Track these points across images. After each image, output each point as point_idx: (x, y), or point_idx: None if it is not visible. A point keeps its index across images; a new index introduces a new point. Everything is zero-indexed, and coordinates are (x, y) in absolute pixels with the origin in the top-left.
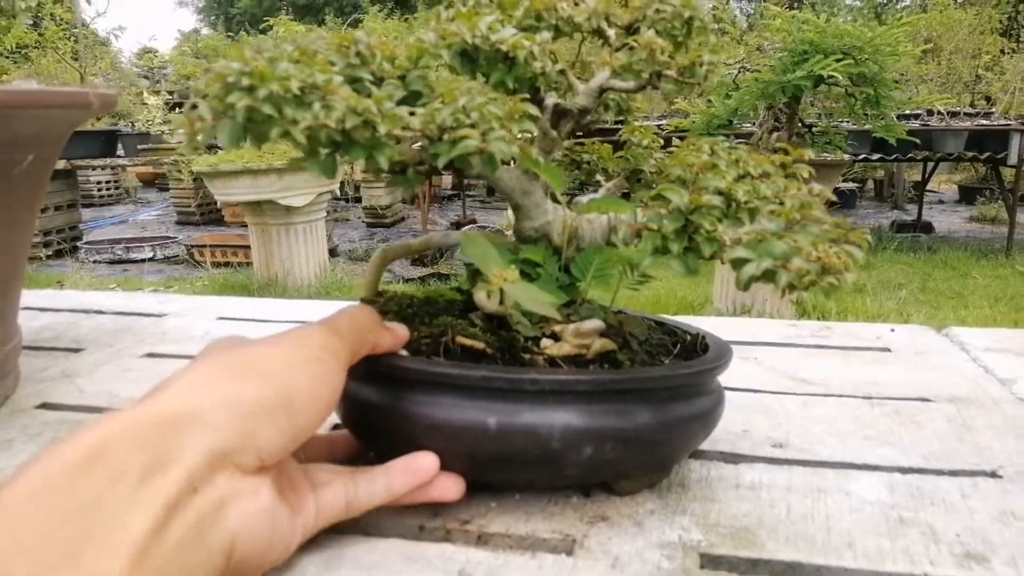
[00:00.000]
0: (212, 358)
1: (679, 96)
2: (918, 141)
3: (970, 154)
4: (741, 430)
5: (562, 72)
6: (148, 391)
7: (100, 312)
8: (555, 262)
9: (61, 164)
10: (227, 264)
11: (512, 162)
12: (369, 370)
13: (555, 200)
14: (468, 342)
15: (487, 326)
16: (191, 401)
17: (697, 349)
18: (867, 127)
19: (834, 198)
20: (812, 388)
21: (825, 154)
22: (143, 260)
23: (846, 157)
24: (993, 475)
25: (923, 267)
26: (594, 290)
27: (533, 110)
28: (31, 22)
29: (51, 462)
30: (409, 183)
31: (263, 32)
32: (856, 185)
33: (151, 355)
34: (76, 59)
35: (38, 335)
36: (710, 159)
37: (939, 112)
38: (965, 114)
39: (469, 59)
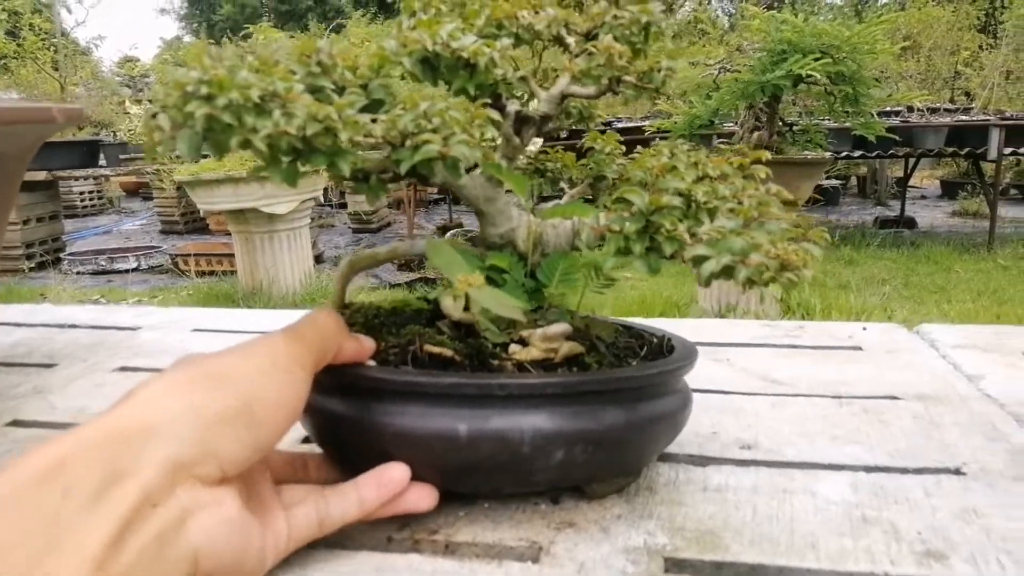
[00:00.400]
0: (175, 370)
1: (638, 100)
2: (898, 138)
3: (950, 150)
4: (710, 432)
5: (523, 79)
6: (111, 405)
7: (75, 326)
8: (521, 268)
9: (42, 175)
10: (212, 273)
11: (475, 168)
12: (336, 381)
13: (519, 207)
14: (436, 350)
15: (455, 334)
16: (149, 414)
17: (663, 351)
18: (847, 125)
19: (818, 196)
20: (782, 388)
21: (807, 152)
22: (127, 270)
23: (827, 155)
24: (957, 472)
25: (906, 262)
26: (560, 294)
27: (494, 115)
28: (8, 32)
29: (8, 479)
30: (373, 191)
31: (245, 39)
32: (839, 182)
33: (124, 369)
34: (56, 69)
35: (12, 351)
36: (669, 161)
37: (919, 109)
38: (945, 110)
39: (430, 66)
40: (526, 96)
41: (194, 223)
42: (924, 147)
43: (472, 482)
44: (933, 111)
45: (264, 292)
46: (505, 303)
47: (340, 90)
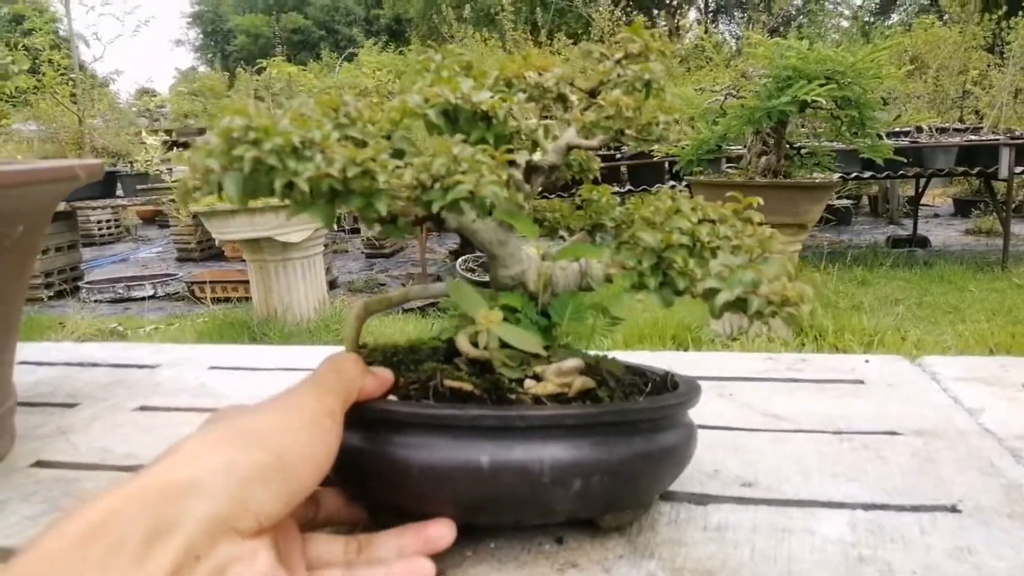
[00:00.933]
0: (211, 427)
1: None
2: (905, 160)
3: (961, 169)
4: (712, 470)
5: (537, 131)
6: (151, 461)
7: (95, 365)
8: (532, 307)
9: (61, 206)
10: (227, 300)
11: (489, 213)
12: (359, 417)
13: (528, 250)
14: (456, 384)
15: (472, 370)
16: (190, 470)
17: (668, 386)
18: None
19: (830, 216)
20: (784, 424)
21: (815, 175)
22: (144, 298)
23: (836, 178)
24: (953, 509)
25: (920, 282)
26: (571, 330)
27: (516, 158)
28: (28, 69)
29: (59, 533)
30: (400, 232)
31: (259, 72)
32: (851, 202)
33: (144, 408)
34: (75, 102)
35: (34, 390)
36: (674, 204)
37: (928, 128)
38: (955, 130)
39: (450, 118)
40: (533, 147)
41: (210, 250)
42: (934, 167)
43: (494, 514)
44: (942, 131)
45: (279, 319)
46: (526, 338)
47: (363, 141)
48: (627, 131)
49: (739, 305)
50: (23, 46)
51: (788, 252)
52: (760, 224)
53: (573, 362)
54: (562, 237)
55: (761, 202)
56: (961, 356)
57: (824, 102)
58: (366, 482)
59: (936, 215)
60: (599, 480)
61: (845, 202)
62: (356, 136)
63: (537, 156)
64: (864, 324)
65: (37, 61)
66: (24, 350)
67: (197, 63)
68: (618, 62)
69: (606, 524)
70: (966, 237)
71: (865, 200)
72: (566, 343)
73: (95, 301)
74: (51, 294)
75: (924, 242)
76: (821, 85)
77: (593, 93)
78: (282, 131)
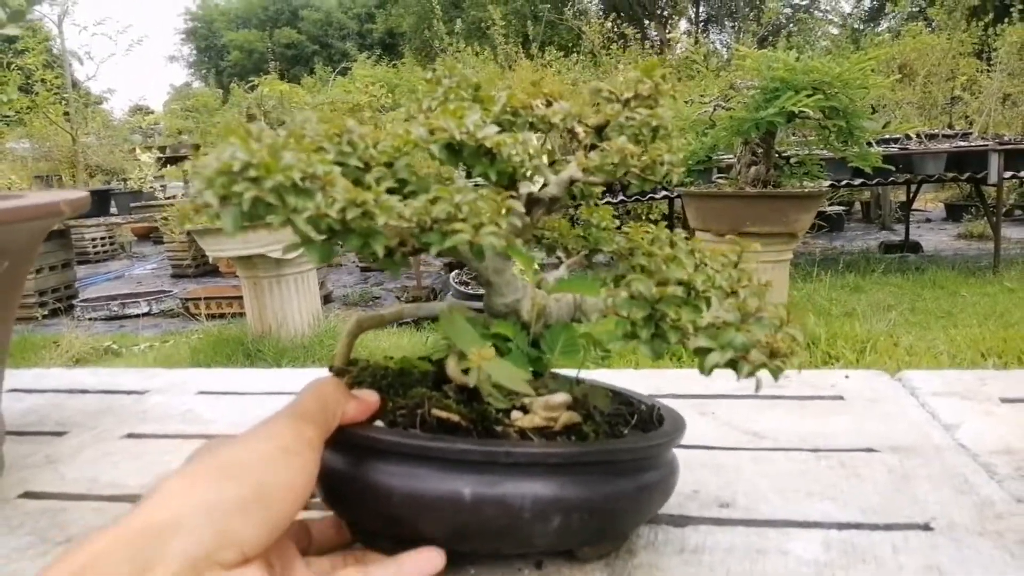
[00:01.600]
0: (191, 464)
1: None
2: (893, 168)
3: (951, 175)
4: (691, 491)
5: (539, 168)
6: (136, 503)
7: (84, 391)
8: (524, 337)
9: (55, 225)
10: (222, 315)
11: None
12: (347, 441)
13: (524, 279)
14: (443, 414)
15: (460, 397)
16: (170, 510)
17: (653, 420)
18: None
19: (822, 223)
20: (764, 442)
21: (806, 184)
22: (139, 315)
23: (825, 187)
24: (926, 528)
25: (912, 287)
26: (560, 363)
27: (518, 206)
28: (21, 88)
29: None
30: (395, 266)
31: (252, 88)
32: (843, 208)
33: (132, 435)
34: (68, 121)
35: (23, 418)
36: (672, 251)
37: (918, 135)
38: (944, 136)
39: (454, 151)
40: (536, 177)
41: (204, 266)
42: (924, 173)
43: (474, 544)
44: (932, 137)
45: (273, 335)
46: (515, 377)
47: (367, 166)
48: (631, 171)
49: (731, 366)
50: (16, 66)
51: (780, 261)
52: (752, 256)
53: (561, 397)
54: (559, 257)
55: (759, 248)
56: (941, 370)
57: (812, 112)
58: (350, 506)
59: (928, 220)
60: (579, 517)
61: (837, 209)
62: (357, 164)
63: (538, 187)
64: (857, 331)
65: (30, 81)
66: (15, 377)
67: (191, 79)
68: (626, 103)
69: (584, 556)
70: (958, 242)
71: (858, 206)
72: (554, 373)
73: (90, 319)
74: (45, 313)
75: (916, 247)
76: (808, 96)
77: (600, 130)
78: (284, 168)
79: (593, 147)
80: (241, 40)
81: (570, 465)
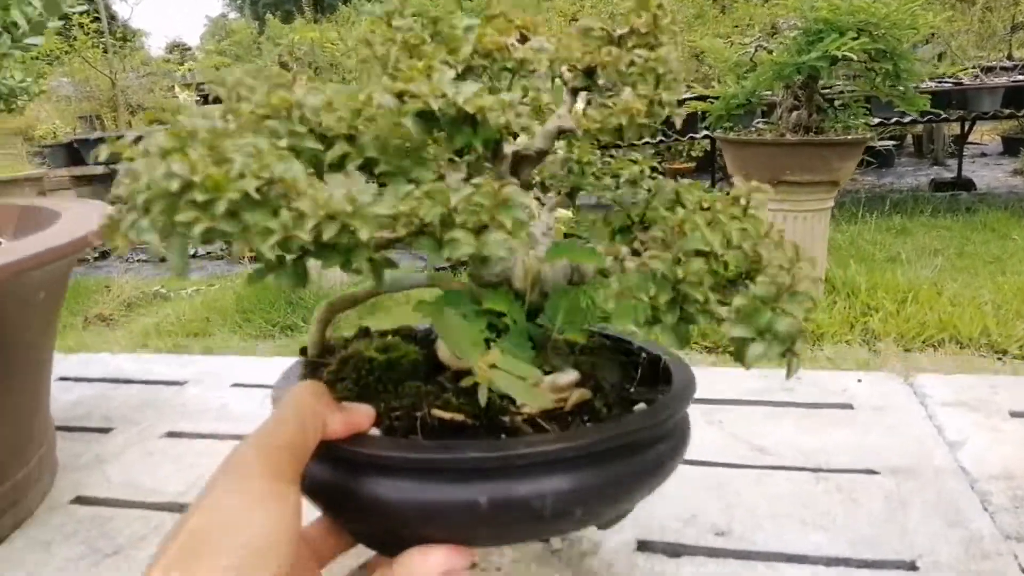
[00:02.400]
0: (166, 551)
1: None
2: (941, 112)
3: (1007, 111)
4: (690, 515)
5: (525, 127)
6: None
7: (128, 381)
8: (520, 309)
9: (100, 169)
10: None
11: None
12: (341, 455)
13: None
14: (445, 415)
15: (457, 387)
16: None
17: (660, 374)
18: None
19: (871, 159)
20: (767, 459)
21: (848, 129)
22: None
23: (871, 127)
24: (911, 567)
25: (961, 230)
26: (564, 336)
27: (521, 197)
28: (58, 33)
29: None
30: (379, 279)
31: (288, 20)
32: (893, 143)
33: (171, 434)
34: (106, 59)
35: (72, 411)
36: (684, 215)
37: (974, 67)
38: (1002, 68)
39: (428, 119)
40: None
41: None
42: (979, 110)
43: (493, 543)
44: (989, 70)
45: (313, 282)
46: (527, 388)
47: (325, 142)
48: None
49: (779, 358)
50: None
51: (822, 209)
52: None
53: (569, 376)
54: (537, 197)
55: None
56: (954, 376)
57: (856, 57)
58: (353, 519)
59: (984, 154)
60: (599, 501)
61: (887, 143)
62: (316, 147)
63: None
64: (899, 280)
65: (67, 26)
66: (62, 364)
67: (227, 9)
68: (621, 41)
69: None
70: (1014, 179)
71: (909, 139)
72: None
73: (139, 261)
74: (96, 255)
75: (969, 185)
76: (853, 38)
77: (590, 72)
78: (235, 179)
79: (584, 89)
80: None
81: (588, 456)
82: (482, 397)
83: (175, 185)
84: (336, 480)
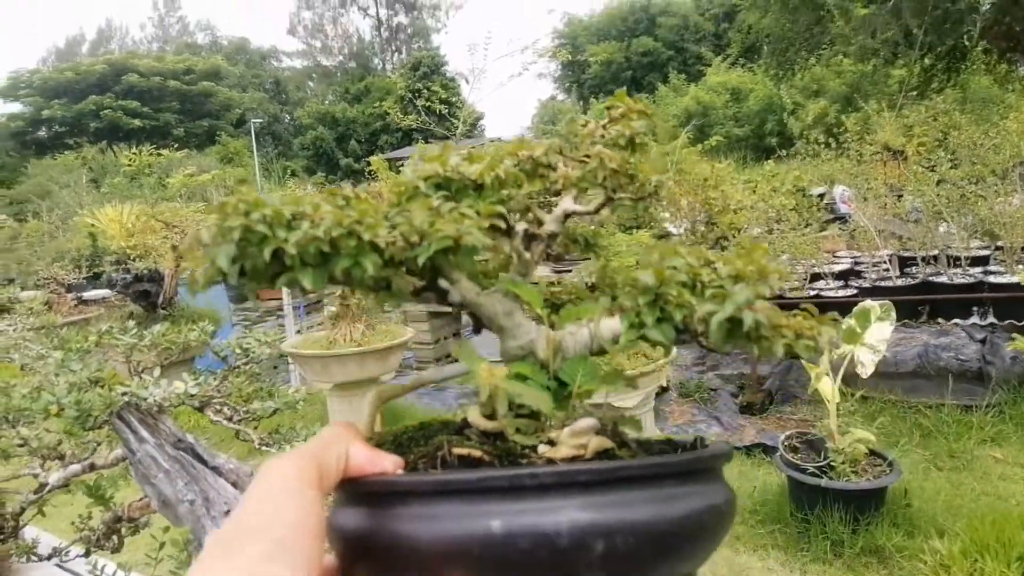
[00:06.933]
0: (211, 544)
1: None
2: None
3: None
4: None
5: (528, 209)
6: None
7: None
8: (543, 374)
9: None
10: None
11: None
12: (361, 492)
13: (537, 320)
14: (464, 451)
15: (484, 440)
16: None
17: (697, 447)
18: None
19: None
20: None
21: None
22: None
23: None
24: None
25: None
26: (583, 390)
27: (501, 210)
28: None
29: None
30: (394, 298)
31: (608, 94)
32: None
33: None
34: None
35: None
36: (671, 247)
37: None
38: None
39: (442, 189)
40: (533, 221)
41: None
42: None
43: None
44: None
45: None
46: (531, 392)
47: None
48: (621, 194)
49: (736, 323)
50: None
51: None
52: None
53: (587, 422)
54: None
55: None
56: None
57: None
58: (372, 565)
59: None
60: (624, 542)
61: None
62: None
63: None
64: None
65: (430, 104)
66: None
67: (556, 92)
68: (602, 125)
69: None
70: None
71: None
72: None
73: None
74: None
75: None
76: None
77: (582, 162)
78: (273, 205)
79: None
80: (600, 52)
81: (604, 483)
82: (483, 395)
83: (228, 205)
84: (354, 523)
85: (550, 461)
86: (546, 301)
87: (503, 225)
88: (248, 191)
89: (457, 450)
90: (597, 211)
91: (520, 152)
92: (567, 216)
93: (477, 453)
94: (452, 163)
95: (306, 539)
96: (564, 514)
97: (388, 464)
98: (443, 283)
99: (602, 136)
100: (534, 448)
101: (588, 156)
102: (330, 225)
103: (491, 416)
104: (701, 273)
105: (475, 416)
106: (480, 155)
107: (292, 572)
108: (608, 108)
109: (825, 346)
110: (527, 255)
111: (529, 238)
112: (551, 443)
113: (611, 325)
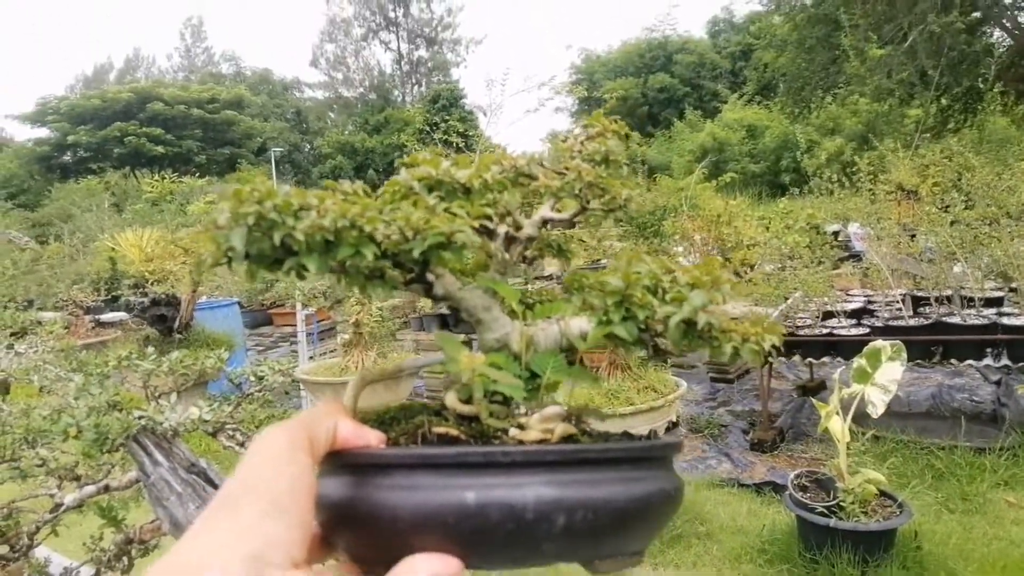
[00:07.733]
0: (211, 504)
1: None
2: None
3: None
4: None
5: (508, 213)
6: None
7: None
8: (516, 365)
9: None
10: None
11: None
12: (345, 463)
13: (512, 316)
14: (442, 429)
15: (460, 421)
16: (199, 555)
17: (649, 437)
18: None
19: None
20: None
21: None
22: None
23: None
24: None
25: None
26: (552, 380)
27: (489, 211)
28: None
29: None
30: (386, 288)
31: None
32: None
33: None
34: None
35: None
36: (636, 252)
37: None
38: None
39: (434, 191)
40: (513, 225)
41: None
42: None
43: (485, 557)
44: None
45: None
46: (504, 377)
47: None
48: (593, 205)
49: (690, 324)
50: (443, 132)
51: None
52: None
53: (555, 409)
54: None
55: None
56: None
57: None
58: (354, 533)
59: None
60: (583, 516)
61: None
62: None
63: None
64: None
65: (447, 136)
66: None
67: (573, 126)
68: (580, 142)
69: (595, 569)
70: None
71: None
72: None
73: None
74: None
75: None
76: None
77: (561, 174)
78: (283, 195)
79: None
80: (617, 88)
81: (568, 463)
82: (464, 377)
83: (243, 193)
84: (338, 492)
85: (520, 443)
86: (521, 301)
87: (489, 226)
88: (261, 181)
89: (436, 428)
90: (572, 219)
91: (505, 161)
92: (544, 222)
93: (455, 432)
94: (443, 167)
95: (300, 500)
96: (531, 489)
97: (372, 438)
98: (430, 276)
99: (579, 151)
100: (505, 431)
101: (567, 169)
102: (335, 216)
103: (467, 401)
104: (663, 280)
105: (452, 400)
106: (469, 161)
107: (288, 530)
108: (586, 127)
109: (769, 351)
110: (506, 255)
111: (509, 240)
112: (521, 427)
113: (579, 323)
